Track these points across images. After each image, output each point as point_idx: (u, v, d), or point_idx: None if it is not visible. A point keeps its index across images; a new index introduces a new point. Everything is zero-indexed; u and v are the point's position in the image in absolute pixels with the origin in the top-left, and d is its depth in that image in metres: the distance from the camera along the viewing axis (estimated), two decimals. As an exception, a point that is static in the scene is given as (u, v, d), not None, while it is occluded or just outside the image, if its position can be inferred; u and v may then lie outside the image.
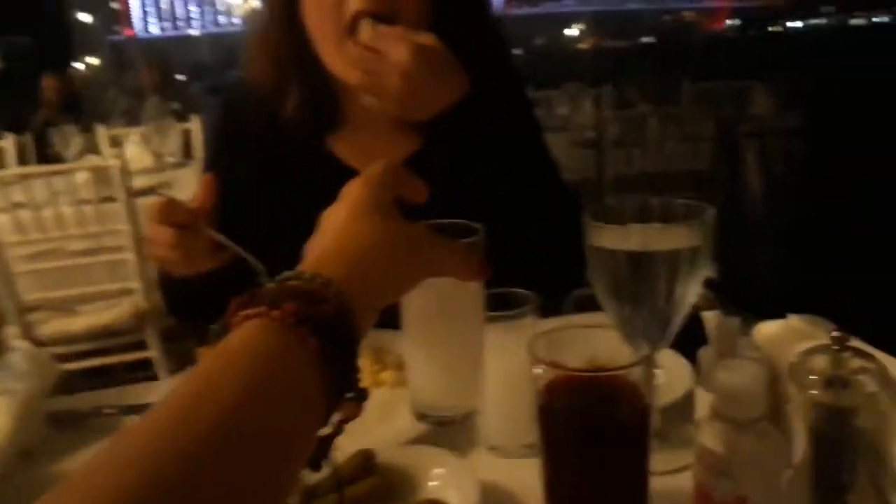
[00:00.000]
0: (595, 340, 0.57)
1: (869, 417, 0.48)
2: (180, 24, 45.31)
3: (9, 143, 4.03)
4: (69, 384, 2.62)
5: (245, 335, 0.40)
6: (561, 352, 0.55)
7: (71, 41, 10.41)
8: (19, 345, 0.88)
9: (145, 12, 42.84)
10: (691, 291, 0.67)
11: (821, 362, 0.49)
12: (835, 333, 0.49)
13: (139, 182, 2.80)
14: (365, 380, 0.46)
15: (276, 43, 1.03)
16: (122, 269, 2.38)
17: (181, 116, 4.07)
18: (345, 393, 0.43)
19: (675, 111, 3.64)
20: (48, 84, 5.38)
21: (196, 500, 0.32)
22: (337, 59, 0.95)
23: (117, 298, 2.42)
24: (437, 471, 0.69)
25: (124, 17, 39.50)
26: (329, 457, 0.44)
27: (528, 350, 0.53)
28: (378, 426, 0.79)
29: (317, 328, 0.41)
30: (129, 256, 2.34)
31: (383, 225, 0.51)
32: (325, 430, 0.43)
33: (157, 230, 0.89)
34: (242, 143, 1.10)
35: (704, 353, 0.68)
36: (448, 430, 0.77)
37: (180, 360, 2.52)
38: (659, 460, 0.59)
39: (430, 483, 0.69)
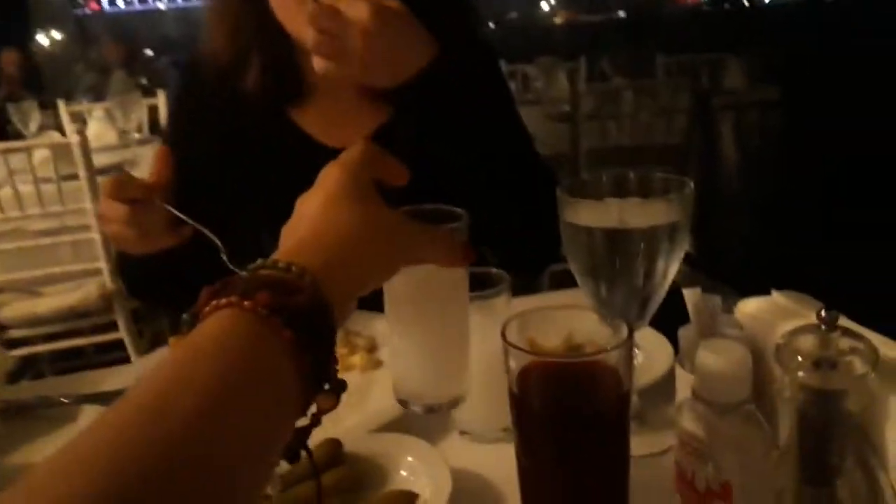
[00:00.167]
0: (571, 320, 0.54)
1: (858, 400, 0.46)
2: (147, -3, 44.33)
3: (-34, 119, 3.91)
4: (38, 368, 2.57)
5: (216, 325, 0.39)
6: (536, 332, 0.53)
7: (34, 15, 10.10)
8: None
9: (111, -15, 41.86)
10: (671, 269, 0.65)
11: (808, 343, 0.47)
12: (823, 313, 0.47)
13: (103, 159, 2.72)
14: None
15: (236, 9, 0.98)
16: (87, 248, 2.33)
17: (148, 91, 3.98)
18: (322, 384, 0.42)
19: (649, 84, 3.63)
20: (8, 59, 5.25)
21: (170, 494, 0.31)
22: (296, 21, 0.90)
23: (83, 279, 2.37)
24: (408, 459, 0.67)
25: (89, -10, 38.58)
26: (306, 448, 0.43)
27: (501, 334, 0.50)
28: (349, 412, 0.76)
29: (291, 318, 0.39)
30: (95, 236, 2.29)
31: (362, 211, 0.49)
32: (302, 422, 0.42)
33: (110, 206, 0.86)
34: (202, 115, 1.07)
35: (685, 332, 0.66)
36: (424, 416, 0.74)
37: (153, 340, 2.48)
38: (639, 443, 0.57)
39: (401, 472, 0.66)
